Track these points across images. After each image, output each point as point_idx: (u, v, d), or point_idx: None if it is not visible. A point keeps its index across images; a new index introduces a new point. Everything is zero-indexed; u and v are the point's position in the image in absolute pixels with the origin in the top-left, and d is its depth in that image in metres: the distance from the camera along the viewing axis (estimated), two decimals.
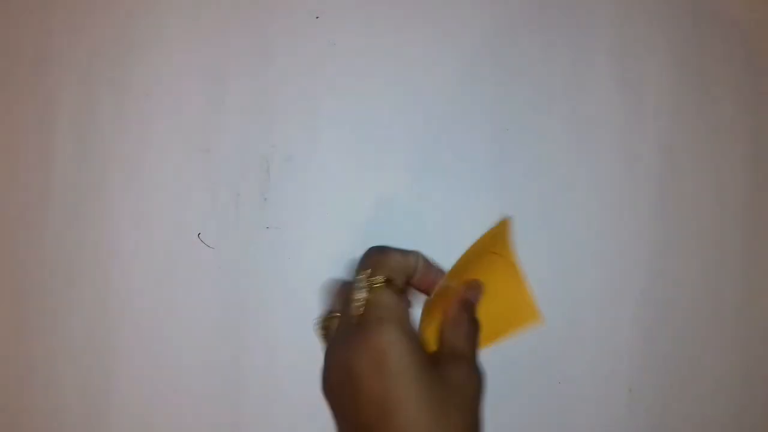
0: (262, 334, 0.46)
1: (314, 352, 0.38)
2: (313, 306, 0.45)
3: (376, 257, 0.35)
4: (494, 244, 0.40)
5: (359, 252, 0.46)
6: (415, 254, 0.37)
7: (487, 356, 0.46)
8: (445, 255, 0.46)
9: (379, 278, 0.34)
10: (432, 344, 0.36)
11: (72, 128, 0.47)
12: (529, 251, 0.46)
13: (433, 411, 0.31)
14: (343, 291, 0.35)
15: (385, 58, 0.47)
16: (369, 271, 0.34)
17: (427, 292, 0.37)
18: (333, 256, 0.46)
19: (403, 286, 0.35)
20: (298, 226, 0.46)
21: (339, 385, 0.33)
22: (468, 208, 0.46)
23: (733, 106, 0.47)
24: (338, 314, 0.35)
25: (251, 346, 0.46)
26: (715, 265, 0.46)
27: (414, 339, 0.33)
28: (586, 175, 0.46)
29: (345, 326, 0.34)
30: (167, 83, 0.47)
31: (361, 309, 0.34)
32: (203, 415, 0.45)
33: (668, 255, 0.46)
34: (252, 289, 0.46)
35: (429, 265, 0.37)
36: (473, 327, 0.36)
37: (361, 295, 0.34)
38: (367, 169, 0.47)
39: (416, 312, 0.37)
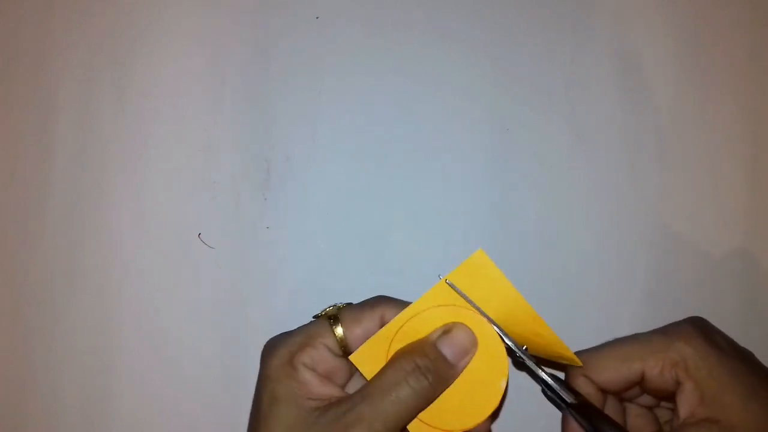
0: (262, 334, 0.45)
1: None
2: (313, 306, 0.45)
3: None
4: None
5: (358, 252, 0.46)
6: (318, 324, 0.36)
7: None
8: (445, 255, 0.46)
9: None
10: (368, 371, 0.35)
11: (71, 128, 0.47)
12: (528, 252, 0.46)
13: None
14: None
15: (385, 58, 0.47)
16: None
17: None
18: (333, 256, 0.46)
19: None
20: (298, 226, 0.46)
21: None
22: (468, 208, 0.46)
23: (733, 106, 0.47)
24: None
25: (251, 345, 0.45)
26: (715, 266, 0.46)
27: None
28: (586, 175, 0.46)
29: None
30: (167, 83, 0.47)
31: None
32: (203, 414, 0.45)
33: (668, 255, 0.46)
34: (252, 289, 0.46)
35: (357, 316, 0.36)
36: (408, 394, 0.33)
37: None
38: (367, 169, 0.47)
39: None
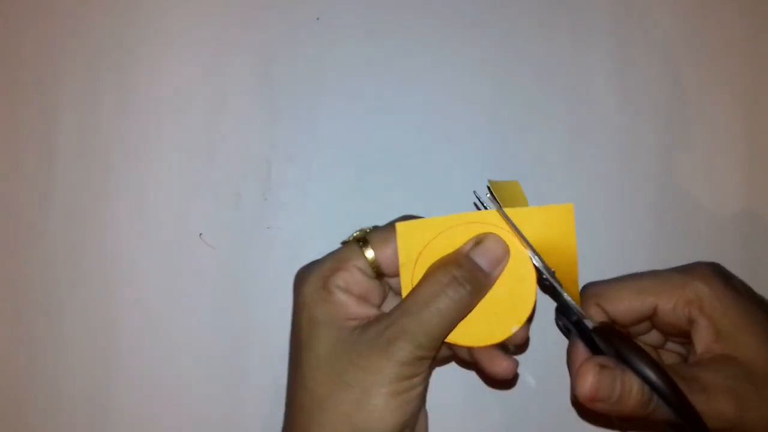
0: (262, 334, 0.46)
1: None
2: None
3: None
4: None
5: None
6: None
7: None
8: None
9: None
10: (405, 288, 0.35)
11: (72, 128, 0.47)
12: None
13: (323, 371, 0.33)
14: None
15: (386, 59, 0.47)
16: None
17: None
18: None
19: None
20: (298, 226, 0.46)
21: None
22: (468, 207, 0.46)
23: (733, 106, 0.47)
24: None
25: (251, 346, 0.46)
26: None
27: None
28: (586, 175, 0.46)
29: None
30: (167, 83, 0.47)
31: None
32: (203, 414, 0.45)
33: (668, 255, 0.46)
34: (252, 289, 0.46)
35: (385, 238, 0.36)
36: (447, 305, 0.33)
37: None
38: (367, 169, 0.47)
39: None
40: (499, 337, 0.35)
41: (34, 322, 0.46)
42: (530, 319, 0.36)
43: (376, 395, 0.32)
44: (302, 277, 0.37)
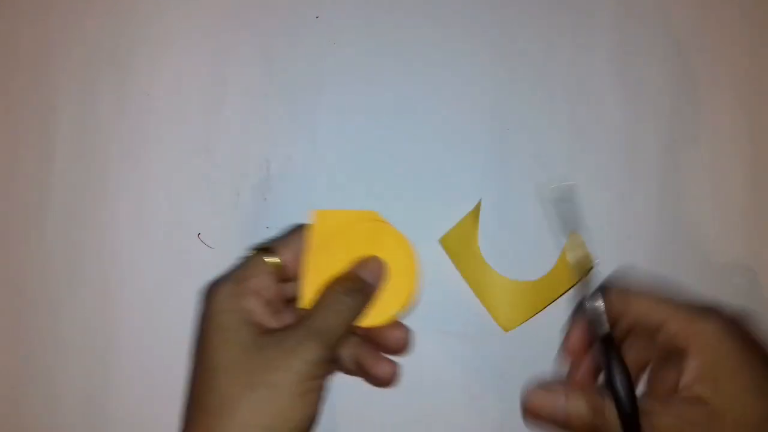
0: None
1: None
2: None
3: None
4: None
5: None
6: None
7: (485, 345, 0.46)
8: (445, 255, 0.46)
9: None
10: (306, 301, 0.39)
11: (71, 128, 0.47)
12: (529, 251, 0.46)
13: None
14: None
15: (385, 58, 0.47)
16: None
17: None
18: None
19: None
20: None
21: None
22: (468, 208, 0.46)
23: (733, 106, 0.47)
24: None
25: None
26: (715, 266, 0.46)
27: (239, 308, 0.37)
28: (586, 174, 0.46)
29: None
30: (167, 83, 0.47)
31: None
32: None
33: (668, 255, 0.46)
34: None
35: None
36: (346, 308, 0.38)
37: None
38: (367, 169, 0.47)
39: None
40: (384, 319, 0.40)
41: (32, 322, 0.46)
42: (410, 307, 0.40)
43: (287, 392, 0.35)
44: (212, 288, 0.39)
